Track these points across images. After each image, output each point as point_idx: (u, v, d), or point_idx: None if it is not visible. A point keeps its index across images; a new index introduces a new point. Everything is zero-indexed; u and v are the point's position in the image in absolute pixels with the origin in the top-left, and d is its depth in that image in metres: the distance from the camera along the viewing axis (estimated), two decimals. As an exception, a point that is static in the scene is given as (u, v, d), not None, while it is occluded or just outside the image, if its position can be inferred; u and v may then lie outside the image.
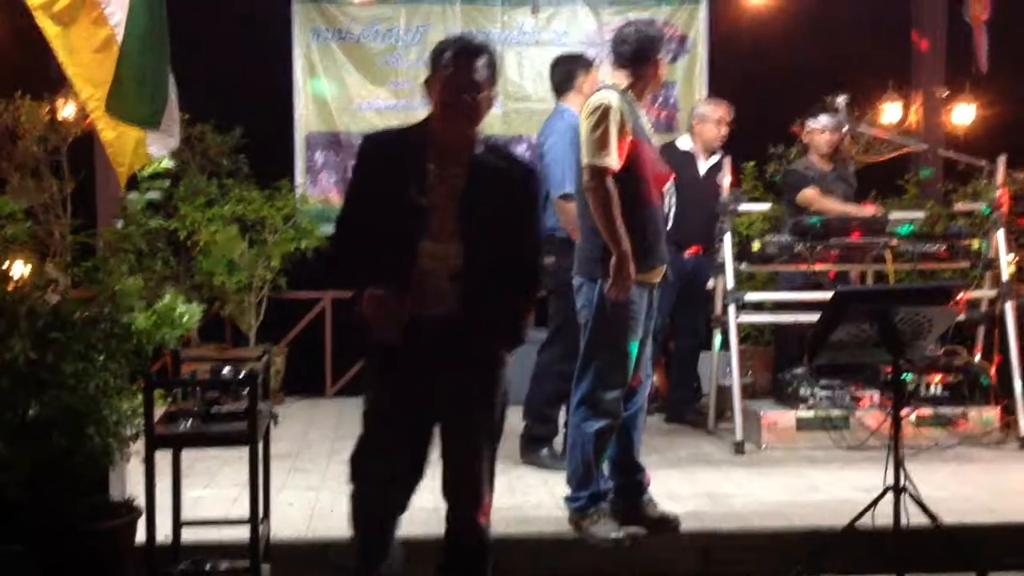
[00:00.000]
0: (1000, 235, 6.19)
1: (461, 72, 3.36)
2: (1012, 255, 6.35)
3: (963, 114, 8.02)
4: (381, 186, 3.34)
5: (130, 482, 4.16)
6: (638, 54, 4.48)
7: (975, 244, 6.17)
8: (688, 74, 8.26)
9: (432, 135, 3.39)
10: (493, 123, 8.00)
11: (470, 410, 3.42)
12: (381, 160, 3.39)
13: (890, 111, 7.91)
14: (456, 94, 3.34)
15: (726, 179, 6.33)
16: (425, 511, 3.86)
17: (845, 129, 6.50)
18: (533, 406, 5.68)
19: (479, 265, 3.32)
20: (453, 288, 3.30)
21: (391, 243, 3.28)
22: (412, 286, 3.27)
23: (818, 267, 6.09)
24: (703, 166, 6.65)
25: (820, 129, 6.67)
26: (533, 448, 5.60)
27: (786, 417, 5.99)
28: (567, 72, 5.70)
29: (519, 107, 8.04)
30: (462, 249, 3.32)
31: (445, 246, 3.31)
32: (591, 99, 4.43)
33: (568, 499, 4.52)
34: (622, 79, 4.50)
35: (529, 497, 4.97)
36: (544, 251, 5.54)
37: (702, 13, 8.20)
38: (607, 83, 4.55)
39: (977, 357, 6.39)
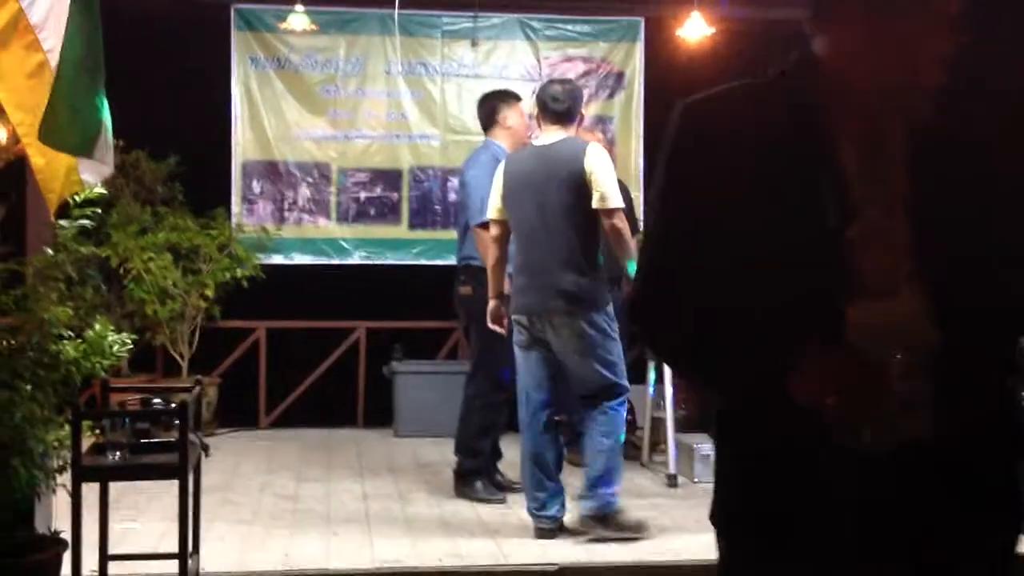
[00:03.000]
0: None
1: None
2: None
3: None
4: (745, 201, 1.71)
5: (56, 515, 4.08)
6: (573, 111, 4.92)
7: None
8: (625, 110, 8.36)
9: (839, 98, 1.72)
10: (432, 155, 8.04)
11: None
12: (738, 149, 1.74)
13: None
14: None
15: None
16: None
17: None
18: (462, 441, 5.68)
19: (970, 337, 1.66)
20: (918, 386, 1.62)
21: (788, 307, 1.67)
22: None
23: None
24: None
25: None
26: (467, 482, 5.59)
27: (719, 450, 6.04)
28: (491, 108, 5.82)
29: (458, 139, 8.07)
30: (929, 309, 1.65)
31: (892, 305, 1.68)
32: (597, 146, 4.86)
33: (611, 497, 4.79)
34: (557, 133, 4.85)
35: (462, 531, 4.96)
36: (460, 280, 5.71)
37: (639, 50, 8.32)
38: (571, 135, 4.91)
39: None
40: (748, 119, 1.79)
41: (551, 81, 5.25)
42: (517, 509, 5.28)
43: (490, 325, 5.14)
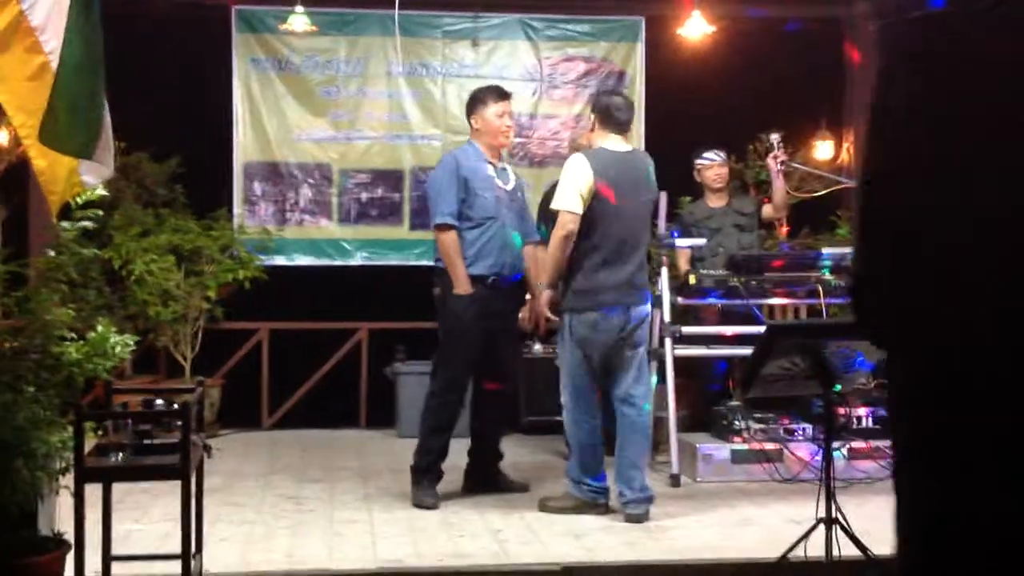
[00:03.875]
0: (929, 271, 6.30)
1: None
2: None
3: (893, 152, 8.19)
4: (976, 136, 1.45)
5: (60, 516, 4.09)
6: (631, 121, 5.34)
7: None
8: (626, 109, 8.35)
9: None
10: (432, 156, 8.04)
11: None
12: (965, 77, 1.47)
13: (823, 148, 8.07)
14: None
15: (661, 213, 6.43)
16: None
17: (780, 162, 6.63)
18: (420, 437, 5.61)
19: None
20: None
21: None
22: None
23: (753, 301, 6.18)
24: None
25: (707, 164, 6.81)
26: (416, 480, 5.49)
27: (721, 450, 6.05)
28: (466, 111, 5.80)
29: (459, 139, 8.00)
30: None
31: None
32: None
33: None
34: (621, 142, 5.23)
35: (465, 531, 4.96)
36: (433, 281, 5.65)
37: (639, 50, 8.32)
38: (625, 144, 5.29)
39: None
40: (972, 44, 1.46)
41: (611, 92, 5.52)
42: (520, 509, 5.28)
43: (550, 315, 5.38)
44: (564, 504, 5.21)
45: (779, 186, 6.72)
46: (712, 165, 6.81)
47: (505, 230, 5.54)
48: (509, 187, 5.66)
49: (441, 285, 5.57)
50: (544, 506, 5.24)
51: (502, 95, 5.69)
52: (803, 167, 7.41)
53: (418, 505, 5.35)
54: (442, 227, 5.48)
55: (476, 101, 5.70)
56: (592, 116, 5.41)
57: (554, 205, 5.15)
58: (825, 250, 6.45)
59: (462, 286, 5.43)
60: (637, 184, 5.19)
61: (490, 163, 5.62)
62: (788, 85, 7.93)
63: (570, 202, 5.06)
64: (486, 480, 5.69)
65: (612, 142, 5.20)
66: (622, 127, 5.24)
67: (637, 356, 5.21)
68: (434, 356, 5.70)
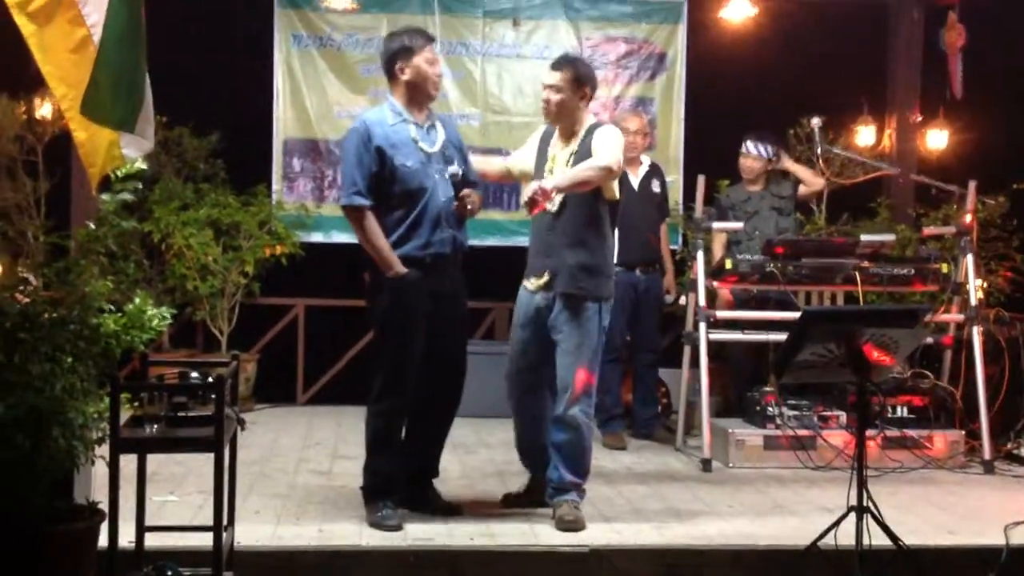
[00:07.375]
0: (969, 260, 6.25)
1: None
2: (980, 280, 6.42)
3: (936, 139, 8.11)
4: None
5: (95, 486, 4.14)
6: None
7: (944, 268, 6.23)
8: (666, 92, 8.31)
9: None
10: (471, 135, 8.03)
11: None
12: None
13: (864, 134, 7.99)
14: None
15: (698, 197, 6.42)
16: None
17: (819, 149, 6.62)
18: (366, 455, 4.89)
19: None
20: None
21: None
22: None
23: (790, 287, 6.14)
24: (635, 180, 6.68)
25: (744, 153, 6.79)
26: (369, 501, 4.75)
27: (754, 436, 6.03)
28: (389, 61, 4.75)
29: (498, 120, 8.08)
30: None
31: None
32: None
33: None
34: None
35: (495, 511, 4.97)
36: (362, 265, 4.76)
37: (681, 31, 8.26)
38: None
39: (944, 381, 6.44)
40: None
41: (580, 60, 5.16)
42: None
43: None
44: (580, 514, 4.72)
45: (793, 168, 6.82)
46: (747, 156, 6.78)
47: (436, 199, 4.64)
48: (436, 147, 4.72)
49: (371, 269, 4.67)
50: (567, 525, 4.61)
51: (430, 38, 4.77)
52: (844, 153, 7.33)
53: (375, 526, 4.56)
54: (350, 209, 4.61)
55: (403, 49, 4.67)
56: (587, 88, 4.80)
57: (612, 156, 4.59)
58: (864, 237, 6.39)
59: (392, 266, 4.56)
60: None
61: (414, 122, 4.70)
62: (830, 69, 7.84)
63: (620, 160, 4.66)
64: (412, 495, 4.84)
65: None
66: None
67: None
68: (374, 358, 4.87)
